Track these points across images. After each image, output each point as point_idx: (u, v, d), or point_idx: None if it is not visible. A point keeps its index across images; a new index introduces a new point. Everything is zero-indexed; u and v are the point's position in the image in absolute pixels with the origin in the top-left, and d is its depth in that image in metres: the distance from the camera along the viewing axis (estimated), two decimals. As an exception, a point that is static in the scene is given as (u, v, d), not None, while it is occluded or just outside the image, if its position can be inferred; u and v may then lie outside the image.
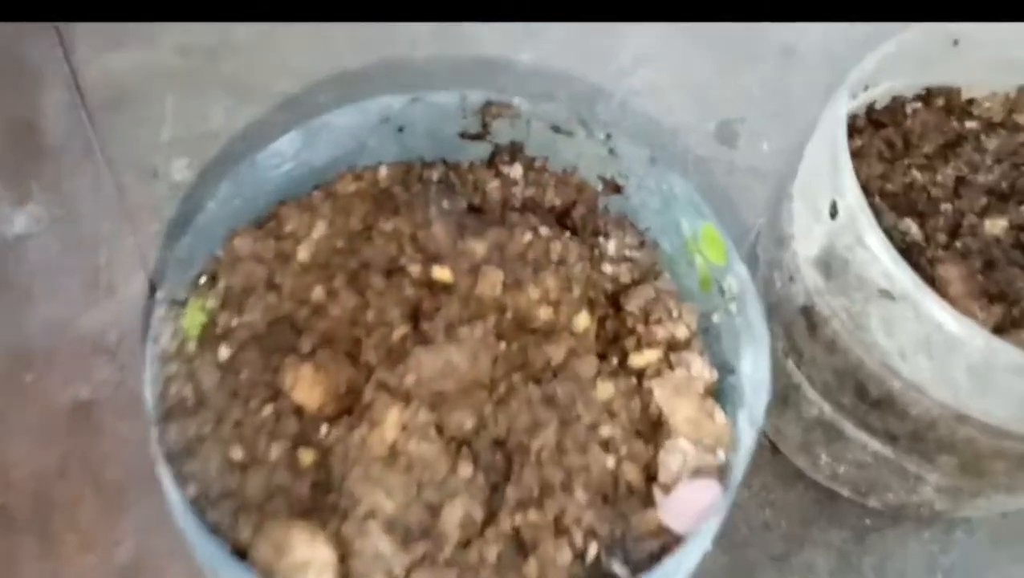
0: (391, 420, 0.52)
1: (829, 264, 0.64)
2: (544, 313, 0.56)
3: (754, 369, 0.52)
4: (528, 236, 0.57)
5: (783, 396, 0.74)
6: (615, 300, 0.62)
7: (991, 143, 0.74)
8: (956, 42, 0.74)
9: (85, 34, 1.05)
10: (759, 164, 1.01)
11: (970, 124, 0.77)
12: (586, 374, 0.57)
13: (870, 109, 0.78)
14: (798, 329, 0.69)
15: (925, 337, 0.58)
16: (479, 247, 0.56)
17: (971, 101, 0.77)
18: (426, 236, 0.57)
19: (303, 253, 0.61)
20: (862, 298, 0.61)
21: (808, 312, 0.68)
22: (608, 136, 0.60)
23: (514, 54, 1.08)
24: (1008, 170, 0.73)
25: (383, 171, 0.64)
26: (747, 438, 0.49)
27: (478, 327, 0.56)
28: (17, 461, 0.79)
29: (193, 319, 0.57)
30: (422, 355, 0.56)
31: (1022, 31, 0.73)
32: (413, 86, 1.06)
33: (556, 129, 0.60)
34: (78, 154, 0.97)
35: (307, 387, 0.55)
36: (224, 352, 0.57)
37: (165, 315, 0.55)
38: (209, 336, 0.57)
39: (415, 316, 0.59)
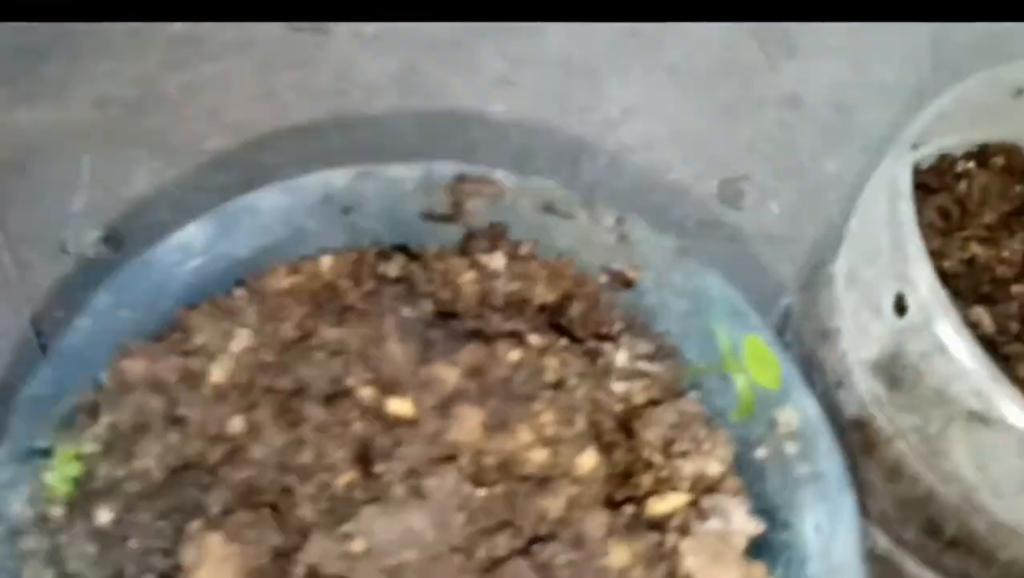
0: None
1: (895, 373, 0.50)
2: (538, 456, 0.42)
3: (830, 539, 0.39)
4: (516, 354, 0.43)
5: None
6: (627, 424, 0.48)
7: (1064, 211, 0.61)
8: (1020, 92, 0.62)
9: (-14, 86, 0.91)
10: (770, 228, 0.89)
11: (1034, 188, 0.64)
12: (594, 534, 0.43)
13: (915, 171, 0.65)
14: (848, 445, 0.56)
15: (1033, 475, 0.45)
16: (450, 374, 0.42)
17: (1033, 161, 0.65)
18: (380, 355, 0.43)
19: (217, 373, 0.46)
20: (942, 418, 0.48)
21: (862, 427, 0.54)
22: (619, 220, 0.46)
23: (486, 105, 0.95)
24: (1087, 245, 0.60)
25: (326, 262, 0.50)
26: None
27: (448, 475, 0.42)
28: None
29: (62, 472, 0.42)
30: (373, 517, 0.41)
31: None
32: (372, 144, 0.93)
33: (550, 210, 0.47)
34: (-27, 226, 0.82)
35: (215, 566, 0.41)
36: (104, 515, 0.42)
37: (14, 477, 0.40)
38: (85, 494, 0.42)
39: (365, 456, 0.44)
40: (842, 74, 1.00)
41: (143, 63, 0.93)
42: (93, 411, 0.44)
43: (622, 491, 0.47)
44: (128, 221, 0.84)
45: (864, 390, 0.53)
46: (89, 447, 0.43)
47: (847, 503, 0.38)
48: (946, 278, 0.60)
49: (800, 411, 0.42)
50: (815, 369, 0.58)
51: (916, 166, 0.65)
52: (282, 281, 0.50)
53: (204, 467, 0.44)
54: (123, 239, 0.83)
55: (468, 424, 0.41)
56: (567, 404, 0.43)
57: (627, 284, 0.48)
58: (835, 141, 0.95)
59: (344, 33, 0.97)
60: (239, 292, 0.49)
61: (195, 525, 0.42)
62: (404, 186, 0.47)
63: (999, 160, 0.64)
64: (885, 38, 1.03)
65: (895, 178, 0.51)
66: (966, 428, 0.46)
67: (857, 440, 0.55)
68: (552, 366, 0.44)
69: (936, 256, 0.60)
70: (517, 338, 0.46)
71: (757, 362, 0.42)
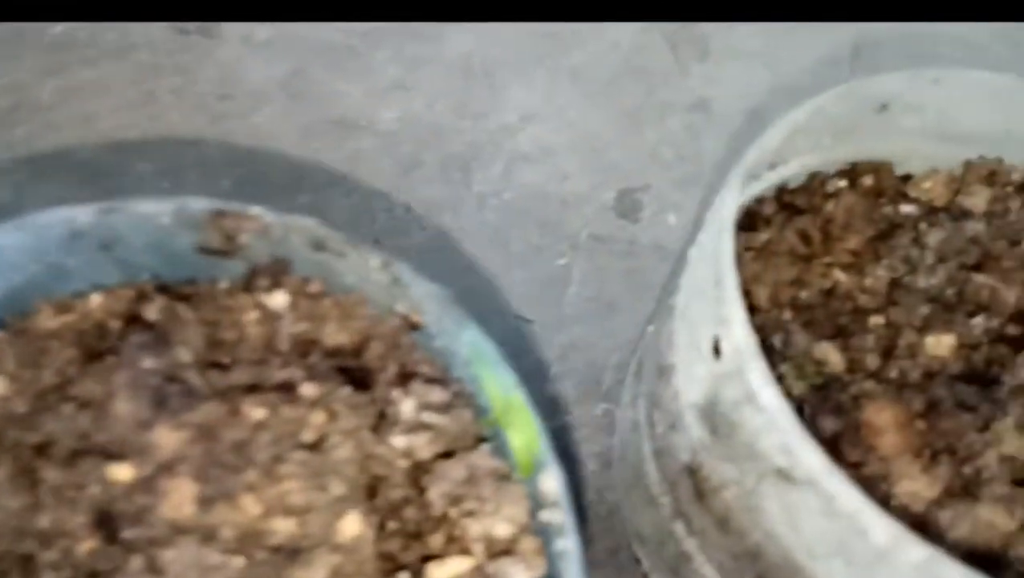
0: None
1: (714, 420, 0.46)
2: (282, 526, 0.38)
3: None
4: (260, 413, 0.39)
5: (673, 567, 0.57)
6: (417, 480, 0.44)
7: (933, 235, 0.57)
8: (884, 106, 0.57)
9: None
10: (665, 241, 0.85)
11: (906, 209, 0.60)
12: (353, 607, 0.39)
13: (782, 190, 0.61)
14: (684, 492, 0.52)
15: (840, 539, 0.41)
16: (170, 438, 0.38)
17: (907, 179, 0.61)
18: (111, 413, 0.39)
19: (-41, 428, 0.42)
20: (755, 474, 0.44)
21: (694, 473, 0.50)
22: (385, 263, 0.42)
23: (377, 111, 0.90)
24: (955, 271, 0.56)
25: (95, 300, 0.46)
26: None
27: (186, 546, 0.38)
28: None
29: None
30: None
31: (963, 92, 0.57)
32: (252, 154, 0.89)
33: (321, 248, 0.43)
34: None
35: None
36: None
37: None
38: None
39: (108, 521, 0.40)
40: (755, 78, 0.96)
41: (18, 70, 0.89)
42: None
43: (411, 553, 0.43)
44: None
45: (693, 435, 0.49)
46: None
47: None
48: (801, 309, 0.56)
49: (555, 480, 0.38)
50: (656, 405, 0.54)
51: (783, 185, 0.61)
52: (49, 321, 0.46)
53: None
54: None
55: (177, 498, 0.37)
56: (321, 467, 0.39)
57: (414, 327, 0.44)
58: (742, 149, 0.91)
59: (233, 37, 0.93)
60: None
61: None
62: (159, 221, 0.43)
63: (868, 179, 0.60)
64: (804, 41, 0.99)
65: (721, 206, 0.47)
66: (776, 485, 0.42)
67: (691, 487, 0.51)
68: (315, 423, 0.40)
69: (794, 285, 0.57)
70: (288, 389, 0.42)
71: (521, 423, 0.38)
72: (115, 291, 0.46)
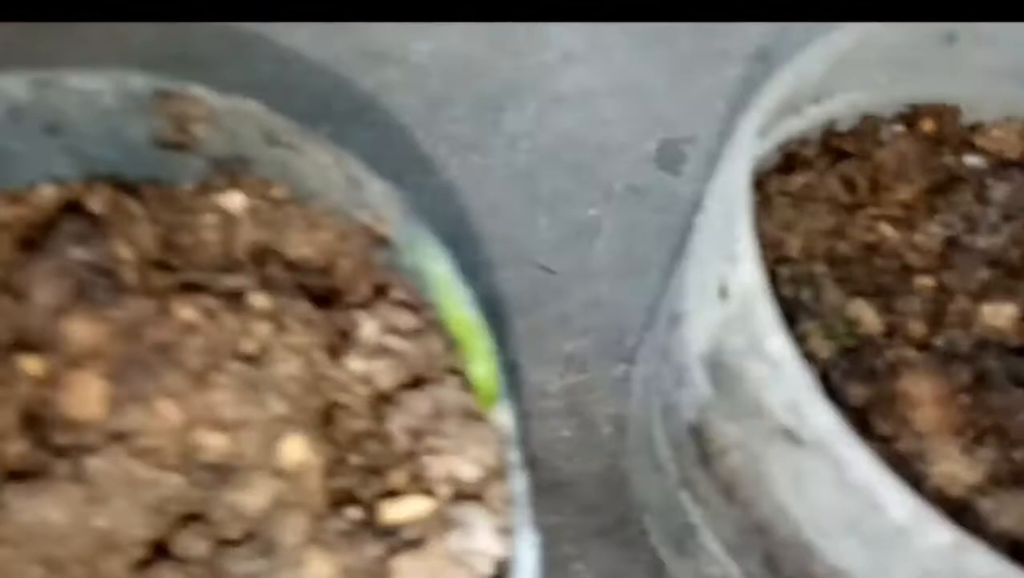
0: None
1: (717, 370, 0.41)
2: (213, 441, 0.34)
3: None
4: (190, 314, 0.35)
5: (677, 539, 0.51)
6: (381, 410, 0.40)
7: (999, 189, 0.50)
8: (951, 37, 0.50)
9: None
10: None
11: (972, 160, 0.53)
12: (287, 541, 0.35)
13: (829, 132, 0.54)
14: (688, 456, 0.46)
15: (854, 515, 0.35)
16: (85, 332, 0.34)
17: (975, 128, 0.54)
18: (30, 302, 0.35)
19: None
20: (760, 435, 0.38)
21: (698, 434, 0.45)
22: (338, 159, 0.38)
23: (410, 43, 0.85)
24: (1021, 231, 0.49)
25: (47, 191, 0.42)
26: None
27: (114, 456, 0.34)
28: None
29: None
30: (14, 501, 0.34)
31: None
32: (274, 79, 0.85)
33: (274, 141, 0.38)
34: None
35: None
36: None
37: None
38: None
39: (36, 421, 0.37)
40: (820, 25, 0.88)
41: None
42: None
43: (369, 489, 0.38)
44: None
45: (700, 390, 0.43)
46: None
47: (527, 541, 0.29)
48: (838, 263, 0.49)
49: (508, 414, 0.33)
50: (665, 359, 0.49)
51: (831, 128, 0.55)
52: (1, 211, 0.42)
53: None
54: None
55: (81, 394, 0.33)
56: (258, 380, 0.35)
57: (380, 240, 0.40)
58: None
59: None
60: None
61: None
62: (102, 101, 0.39)
63: (928, 124, 0.53)
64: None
65: (738, 134, 0.41)
66: (783, 449, 0.37)
67: (695, 450, 0.45)
68: (258, 334, 0.36)
69: (831, 235, 0.50)
70: (235, 297, 0.38)
71: (476, 353, 0.33)
72: (68, 184, 0.42)
